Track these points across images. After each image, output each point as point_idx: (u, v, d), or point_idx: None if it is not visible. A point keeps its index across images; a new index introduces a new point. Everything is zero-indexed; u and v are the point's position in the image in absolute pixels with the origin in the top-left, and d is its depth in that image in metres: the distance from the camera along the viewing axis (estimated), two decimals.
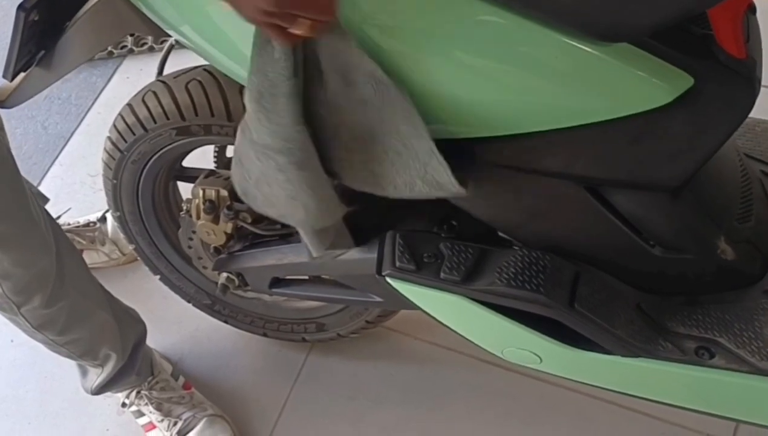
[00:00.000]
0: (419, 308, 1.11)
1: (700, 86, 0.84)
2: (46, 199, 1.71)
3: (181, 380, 1.62)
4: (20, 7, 1.04)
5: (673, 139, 0.89)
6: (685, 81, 0.84)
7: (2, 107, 1.24)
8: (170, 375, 1.60)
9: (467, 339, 1.14)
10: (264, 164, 0.95)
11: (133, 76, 2.14)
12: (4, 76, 1.16)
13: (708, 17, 0.85)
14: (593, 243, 1.02)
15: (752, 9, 0.95)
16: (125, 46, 2.21)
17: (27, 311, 1.25)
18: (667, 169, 0.92)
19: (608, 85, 0.86)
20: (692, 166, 0.91)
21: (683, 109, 0.85)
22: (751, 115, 0.89)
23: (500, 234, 1.09)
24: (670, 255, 1.00)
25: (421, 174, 0.93)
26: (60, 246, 1.27)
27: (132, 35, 2.16)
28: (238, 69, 1.00)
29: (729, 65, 0.85)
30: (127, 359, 1.47)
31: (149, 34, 1.91)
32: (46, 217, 1.27)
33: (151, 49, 2.20)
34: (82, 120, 2.12)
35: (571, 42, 0.83)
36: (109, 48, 2.19)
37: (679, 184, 0.93)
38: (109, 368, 1.46)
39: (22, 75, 1.16)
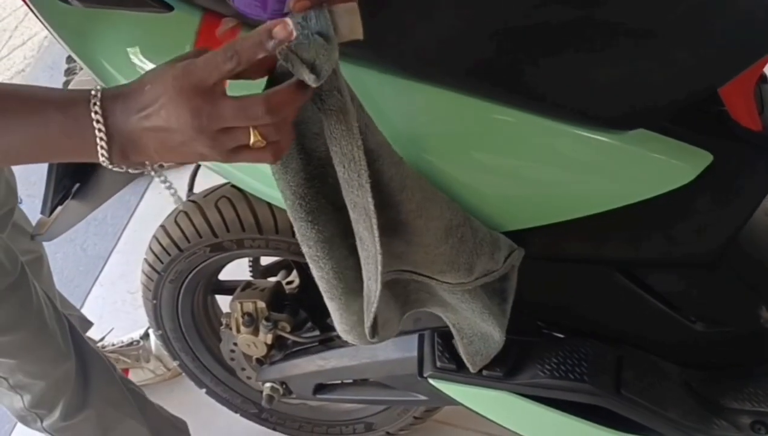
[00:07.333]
0: (465, 406, 1.10)
1: (720, 162, 0.85)
2: (89, 324, 1.74)
3: None
4: None
5: (700, 216, 0.90)
6: (705, 158, 0.85)
7: (42, 240, 1.28)
8: None
9: (517, 434, 1.12)
10: None
11: (165, 192, 2.17)
12: (42, 213, 1.19)
13: (719, 95, 0.86)
14: (633, 325, 1.01)
15: (764, 79, 0.96)
16: None
17: (49, 425, 1.28)
18: (698, 245, 0.92)
19: (629, 170, 0.86)
20: (723, 239, 0.91)
21: (706, 185, 0.86)
22: None
23: (540, 324, 1.08)
24: (712, 329, 0.98)
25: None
26: (85, 355, 1.30)
27: None
28: (263, 188, 1.03)
29: (746, 138, 0.86)
30: None
31: None
32: (67, 328, 1.29)
33: (181, 163, 2.26)
34: (119, 239, 2.17)
35: (587, 134, 0.84)
36: None
37: (712, 258, 0.92)
38: None
39: (59, 208, 1.19)
